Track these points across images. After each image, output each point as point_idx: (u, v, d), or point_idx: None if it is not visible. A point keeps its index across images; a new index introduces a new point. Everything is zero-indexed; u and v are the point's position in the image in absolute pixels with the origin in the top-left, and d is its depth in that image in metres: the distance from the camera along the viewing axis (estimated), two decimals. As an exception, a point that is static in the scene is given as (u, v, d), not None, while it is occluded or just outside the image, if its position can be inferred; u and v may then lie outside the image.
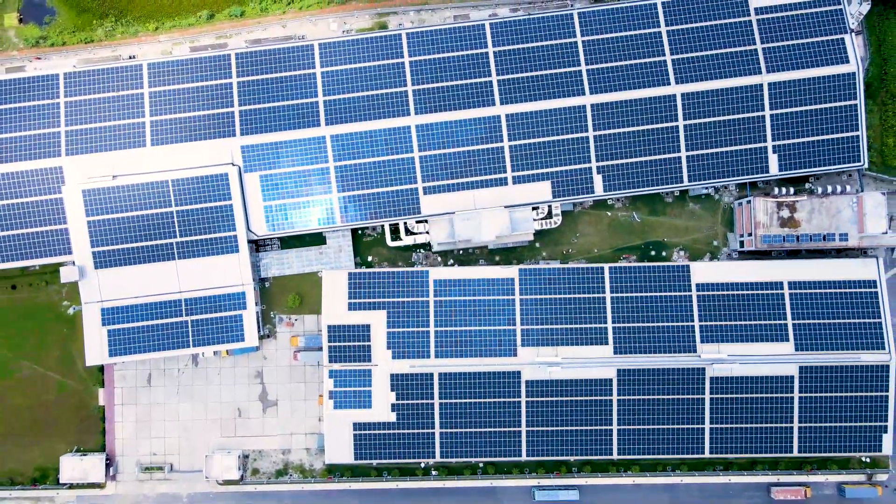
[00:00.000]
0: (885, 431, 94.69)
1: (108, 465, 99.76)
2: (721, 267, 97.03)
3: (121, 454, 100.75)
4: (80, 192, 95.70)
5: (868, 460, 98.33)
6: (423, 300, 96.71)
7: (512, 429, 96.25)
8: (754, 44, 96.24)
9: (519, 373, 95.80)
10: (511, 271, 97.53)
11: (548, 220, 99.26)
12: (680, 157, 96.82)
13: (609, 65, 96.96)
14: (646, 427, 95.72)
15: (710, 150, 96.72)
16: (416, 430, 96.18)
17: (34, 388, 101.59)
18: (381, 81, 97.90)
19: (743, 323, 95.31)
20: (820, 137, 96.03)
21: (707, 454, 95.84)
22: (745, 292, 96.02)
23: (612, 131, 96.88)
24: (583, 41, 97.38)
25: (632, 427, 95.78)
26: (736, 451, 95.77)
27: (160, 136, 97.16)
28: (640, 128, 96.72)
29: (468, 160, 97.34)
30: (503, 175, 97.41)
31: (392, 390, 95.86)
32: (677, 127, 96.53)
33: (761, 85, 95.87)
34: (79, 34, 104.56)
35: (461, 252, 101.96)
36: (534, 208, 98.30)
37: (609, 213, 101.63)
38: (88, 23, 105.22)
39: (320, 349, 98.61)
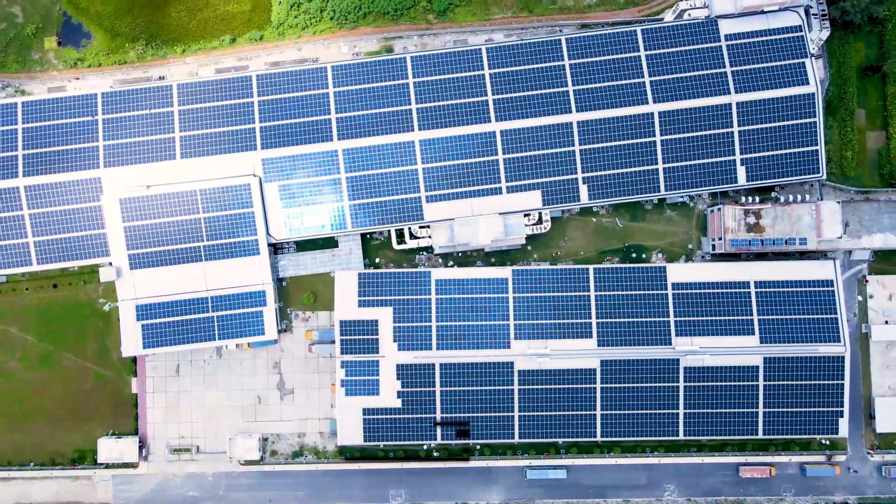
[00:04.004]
0: (842, 416, 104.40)
1: (140, 447, 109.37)
2: (694, 268, 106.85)
3: (152, 437, 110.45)
4: (118, 201, 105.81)
5: (827, 443, 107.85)
6: (425, 298, 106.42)
7: (506, 414, 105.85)
8: (724, 67, 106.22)
9: (512, 363, 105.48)
10: (505, 272, 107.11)
11: (538, 226, 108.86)
12: (657, 169, 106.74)
13: (593, 86, 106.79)
14: (626, 412, 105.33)
15: (684, 163, 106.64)
16: (419, 415, 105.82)
17: (74, 378, 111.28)
18: (387, 100, 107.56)
19: (713, 318, 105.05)
20: (783, 151, 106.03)
21: (681, 437, 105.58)
22: (715, 291, 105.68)
23: (596, 145, 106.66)
24: (570, 64, 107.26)
25: (614, 412, 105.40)
26: (707, 433, 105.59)
27: (189, 150, 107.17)
28: (622, 142, 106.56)
29: (466, 171, 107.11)
30: (498, 185, 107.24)
31: (398, 379, 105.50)
32: (655, 142, 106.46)
33: (730, 104, 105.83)
34: (112, 56, 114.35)
35: (460, 254, 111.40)
36: (526, 215, 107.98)
37: (594, 220, 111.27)
38: (121, 46, 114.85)
39: (333, 342, 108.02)
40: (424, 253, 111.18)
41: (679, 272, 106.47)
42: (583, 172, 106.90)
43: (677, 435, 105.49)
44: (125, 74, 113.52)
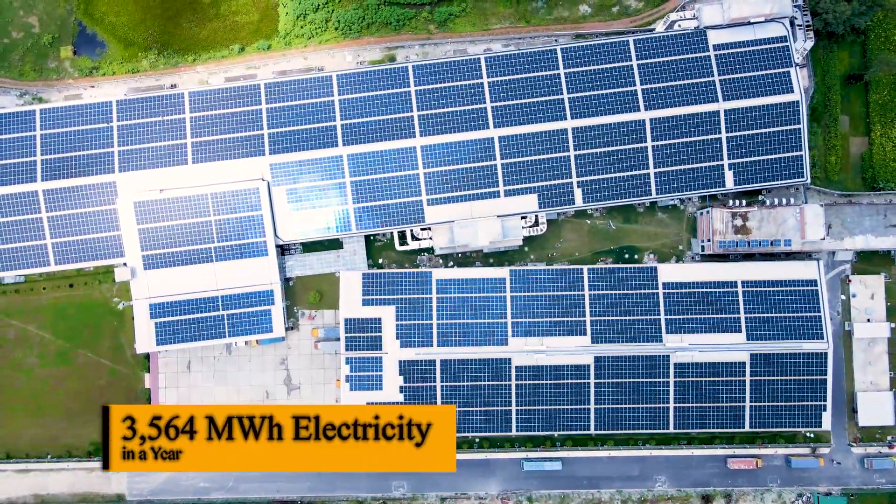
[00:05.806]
0: (825, 410, 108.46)
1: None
2: (684, 268, 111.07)
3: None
4: (132, 204, 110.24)
5: (811, 436, 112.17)
6: (426, 297, 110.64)
7: (504, 408, 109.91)
8: (712, 76, 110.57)
9: (510, 360, 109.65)
10: (503, 272, 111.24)
11: (535, 228, 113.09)
12: (649, 174, 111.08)
13: (587, 94, 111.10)
14: (619, 406, 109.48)
15: (675, 168, 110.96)
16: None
17: (89, 374, 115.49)
18: (390, 107, 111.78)
19: (702, 316, 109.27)
20: (769, 157, 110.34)
21: (672, 430, 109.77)
22: (704, 290, 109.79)
23: (590, 151, 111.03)
24: (565, 73, 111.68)
25: (607, 406, 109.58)
26: (697, 427, 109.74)
27: (200, 156, 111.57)
28: (615, 148, 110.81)
29: (466, 176, 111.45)
30: (496, 189, 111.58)
31: (400, 374, 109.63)
32: (646, 147, 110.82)
33: (718, 111, 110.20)
34: (126, 65, 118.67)
35: (460, 255, 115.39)
36: (523, 217, 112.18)
37: (588, 222, 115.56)
38: (134, 55, 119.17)
39: (338, 339, 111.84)
40: (426, 254, 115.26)
41: (670, 272, 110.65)
42: (577, 177, 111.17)
43: (668, 428, 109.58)
44: (138, 82, 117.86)
